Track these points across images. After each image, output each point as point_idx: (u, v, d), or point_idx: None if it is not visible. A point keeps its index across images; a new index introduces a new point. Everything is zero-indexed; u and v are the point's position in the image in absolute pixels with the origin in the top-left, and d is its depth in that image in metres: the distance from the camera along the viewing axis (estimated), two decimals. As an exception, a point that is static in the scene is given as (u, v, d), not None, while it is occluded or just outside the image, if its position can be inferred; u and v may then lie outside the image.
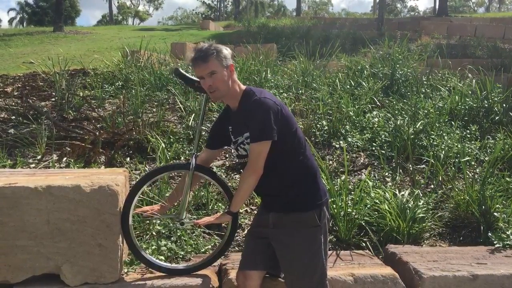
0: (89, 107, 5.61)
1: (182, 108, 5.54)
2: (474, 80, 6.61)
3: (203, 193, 3.88)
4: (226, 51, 2.44)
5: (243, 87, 2.52)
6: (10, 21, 52.59)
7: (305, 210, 2.44)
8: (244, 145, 2.49)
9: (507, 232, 3.53)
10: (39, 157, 4.36)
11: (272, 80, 6.68)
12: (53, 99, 5.90)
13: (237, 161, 2.76)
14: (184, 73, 2.71)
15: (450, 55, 8.48)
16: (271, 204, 2.54)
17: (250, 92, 2.46)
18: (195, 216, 3.57)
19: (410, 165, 4.48)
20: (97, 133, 4.72)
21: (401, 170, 4.52)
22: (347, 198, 3.62)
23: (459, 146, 4.71)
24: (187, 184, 2.67)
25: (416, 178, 4.35)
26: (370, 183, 3.98)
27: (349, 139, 4.98)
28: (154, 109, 5.67)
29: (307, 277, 2.43)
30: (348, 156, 4.66)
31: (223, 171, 4.35)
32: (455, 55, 10.41)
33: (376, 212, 3.72)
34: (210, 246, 3.37)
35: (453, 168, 4.49)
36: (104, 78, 6.92)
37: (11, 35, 16.95)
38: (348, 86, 6.54)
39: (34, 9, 46.29)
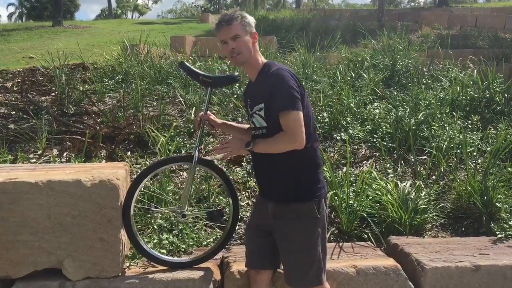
0: (89, 101, 5.59)
1: (182, 102, 5.52)
2: (475, 71, 6.57)
3: (204, 186, 3.88)
4: (251, 18, 2.44)
5: (265, 60, 2.49)
6: (9, 16, 52.50)
7: (304, 201, 2.41)
8: (253, 116, 2.46)
9: (510, 223, 3.53)
10: (39, 152, 4.36)
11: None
12: (53, 94, 5.88)
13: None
14: (190, 66, 2.70)
15: (451, 46, 8.44)
16: (270, 192, 2.51)
17: (271, 64, 2.43)
18: (196, 209, 3.56)
19: (412, 157, 4.47)
20: (98, 127, 4.71)
21: (402, 162, 4.51)
22: (348, 190, 3.61)
23: (460, 136, 4.69)
24: (189, 177, 2.68)
25: (418, 169, 4.34)
26: (374, 174, 3.97)
27: (350, 131, 4.96)
28: (155, 103, 5.66)
29: (303, 270, 2.41)
30: (349, 148, 4.64)
31: (224, 164, 4.35)
32: (456, 46, 10.37)
33: (378, 204, 3.71)
34: (211, 239, 3.37)
35: (454, 159, 4.48)
36: (104, 72, 6.90)
37: (10, 30, 16.89)
38: (348, 78, 6.52)
39: (33, 3, 46.08)
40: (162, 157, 4.04)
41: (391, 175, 4.22)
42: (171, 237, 3.24)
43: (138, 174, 2.71)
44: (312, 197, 2.42)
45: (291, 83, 2.28)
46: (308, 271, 2.41)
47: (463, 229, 3.75)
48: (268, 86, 2.33)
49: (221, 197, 3.82)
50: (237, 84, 6.08)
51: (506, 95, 5.87)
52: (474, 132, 5.07)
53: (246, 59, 2.42)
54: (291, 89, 2.27)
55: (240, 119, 5.28)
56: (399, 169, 4.34)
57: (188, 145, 4.59)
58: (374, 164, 4.47)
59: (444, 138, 4.70)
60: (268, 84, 2.33)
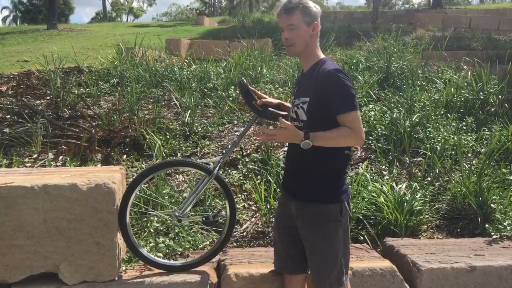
0: (84, 105, 5.59)
1: (177, 105, 5.52)
2: (469, 72, 6.61)
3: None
4: (315, 8, 2.38)
5: (323, 56, 2.46)
6: (4, 19, 52.31)
7: (326, 202, 2.36)
8: (298, 108, 2.42)
9: (504, 223, 3.55)
10: (35, 156, 4.35)
11: (268, 75, 6.66)
12: (48, 98, 5.87)
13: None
14: (249, 87, 2.62)
15: (445, 47, 8.48)
16: (295, 189, 2.47)
17: (327, 61, 2.39)
18: (192, 213, 3.57)
19: (407, 158, 4.49)
20: (93, 131, 4.70)
21: (398, 163, 4.52)
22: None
23: (455, 138, 4.71)
24: (199, 187, 2.72)
25: (413, 171, 4.36)
26: (368, 176, 3.98)
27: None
28: (150, 106, 5.65)
29: (324, 273, 2.38)
30: (345, 150, 4.66)
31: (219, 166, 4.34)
32: (450, 47, 10.40)
33: (374, 206, 3.72)
34: (208, 242, 3.37)
35: (449, 160, 4.50)
36: (99, 75, 6.90)
37: (5, 34, 16.82)
38: (343, 80, 6.52)
39: (28, 7, 45.98)
40: (158, 161, 4.03)
41: (387, 177, 4.24)
42: (168, 240, 3.24)
43: (151, 165, 2.70)
44: (335, 200, 2.38)
45: (350, 83, 2.28)
46: (329, 274, 2.38)
47: (458, 230, 3.76)
48: (321, 84, 2.29)
49: (217, 200, 3.82)
50: (232, 86, 6.09)
51: (500, 96, 5.90)
52: (469, 134, 5.10)
53: (299, 51, 2.40)
54: (351, 89, 2.27)
55: (235, 122, 5.29)
56: (394, 170, 4.35)
57: (183, 148, 4.59)
58: (369, 166, 4.49)
59: (439, 139, 4.73)
60: (321, 82, 2.29)
